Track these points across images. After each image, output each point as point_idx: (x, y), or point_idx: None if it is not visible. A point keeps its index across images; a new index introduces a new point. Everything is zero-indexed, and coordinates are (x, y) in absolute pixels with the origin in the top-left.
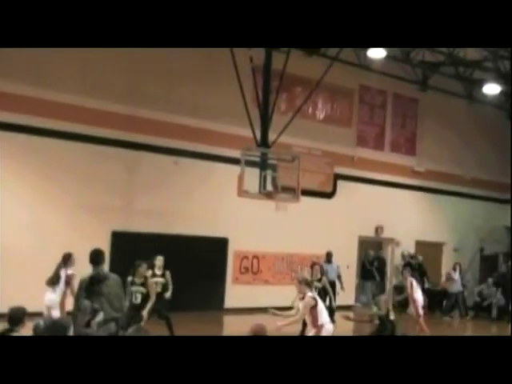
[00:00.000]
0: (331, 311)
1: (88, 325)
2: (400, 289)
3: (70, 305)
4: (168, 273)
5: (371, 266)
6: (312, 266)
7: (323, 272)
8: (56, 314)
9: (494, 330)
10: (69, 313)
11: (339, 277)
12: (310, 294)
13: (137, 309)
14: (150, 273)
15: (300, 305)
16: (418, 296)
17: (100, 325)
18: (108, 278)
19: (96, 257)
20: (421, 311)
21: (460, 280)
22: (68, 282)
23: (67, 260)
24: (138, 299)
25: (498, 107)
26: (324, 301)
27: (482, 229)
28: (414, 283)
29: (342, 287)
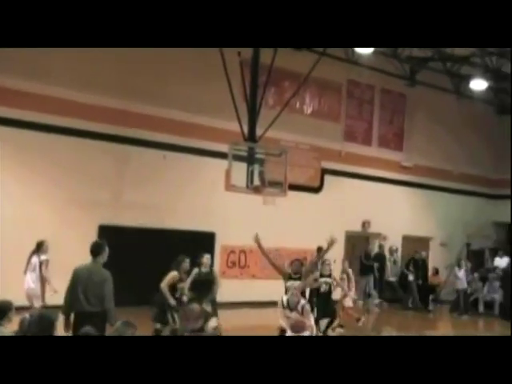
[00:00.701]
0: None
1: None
2: (390, 284)
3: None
4: (215, 270)
5: (372, 261)
6: (323, 262)
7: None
8: (37, 302)
9: (480, 325)
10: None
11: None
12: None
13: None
14: (196, 271)
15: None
16: (353, 289)
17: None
18: (94, 273)
19: (94, 248)
20: (351, 304)
21: (465, 277)
22: (41, 268)
23: (40, 247)
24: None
25: (486, 102)
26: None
27: (469, 224)
28: (352, 277)
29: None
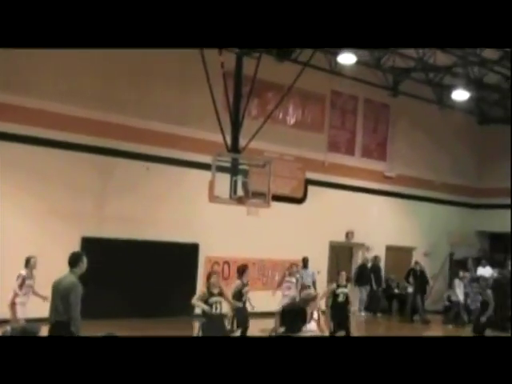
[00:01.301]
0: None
1: None
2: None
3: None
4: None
5: (370, 272)
6: (339, 272)
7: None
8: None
9: (467, 333)
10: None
11: (314, 282)
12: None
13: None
14: (239, 283)
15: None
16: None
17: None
18: (64, 282)
19: (71, 259)
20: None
21: (463, 288)
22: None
23: (27, 262)
24: (219, 309)
25: (469, 112)
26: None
27: (452, 234)
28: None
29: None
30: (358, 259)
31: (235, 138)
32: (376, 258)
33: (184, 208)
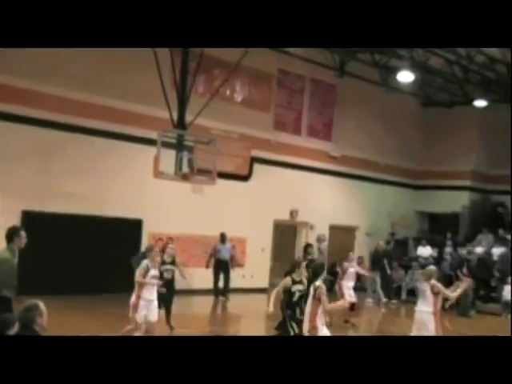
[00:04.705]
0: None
1: None
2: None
3: None
4: None
5: (381, 257)
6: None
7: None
8: None
9: (402, 312)
10: None
11: (232, 257)
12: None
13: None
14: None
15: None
16: None
17: None
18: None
19: (7, 233)
20: None
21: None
22: None
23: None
24: (170, 275)
25: (413, 95)
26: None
27: (393, 214)
28: None
29: (232, 267)
30: (302, 238)
31: (181, 114)
32: (388, 243)
33: (128, 183)
